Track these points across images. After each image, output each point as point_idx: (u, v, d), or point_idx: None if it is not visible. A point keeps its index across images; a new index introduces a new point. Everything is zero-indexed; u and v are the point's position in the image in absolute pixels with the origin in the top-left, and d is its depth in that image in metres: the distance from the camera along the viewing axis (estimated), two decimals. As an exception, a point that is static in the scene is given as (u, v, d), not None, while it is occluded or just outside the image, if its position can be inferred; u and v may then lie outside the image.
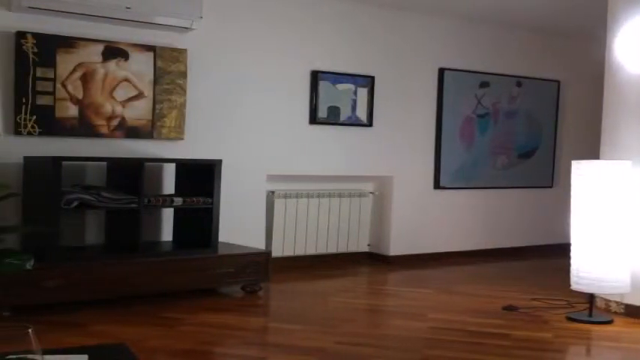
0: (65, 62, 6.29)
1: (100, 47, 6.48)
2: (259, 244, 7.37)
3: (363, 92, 8.04)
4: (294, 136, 7.71)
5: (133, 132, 6.69)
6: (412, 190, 8.62)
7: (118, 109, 6.58)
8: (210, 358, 5.03)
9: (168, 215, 6.90)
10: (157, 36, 6.75)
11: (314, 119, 7.79)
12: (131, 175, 6.18)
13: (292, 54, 7.64)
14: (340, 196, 8.17)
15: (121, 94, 6.61)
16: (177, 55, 6.85)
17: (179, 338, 5.13)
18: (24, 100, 6.10)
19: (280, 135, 7.62)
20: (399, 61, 8.40)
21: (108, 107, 6.53)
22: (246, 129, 7.39)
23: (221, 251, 6.52)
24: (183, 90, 6.88)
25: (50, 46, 6.21)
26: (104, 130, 6.52)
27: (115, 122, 6.58)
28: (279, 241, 7.77)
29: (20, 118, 6.08)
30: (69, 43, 6.31)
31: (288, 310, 6.31)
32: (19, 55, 6.08)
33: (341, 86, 7.87)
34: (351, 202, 8.25)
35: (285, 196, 7.78)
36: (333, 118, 7.87)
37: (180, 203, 6.39)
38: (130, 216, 6.14)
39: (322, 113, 7.80)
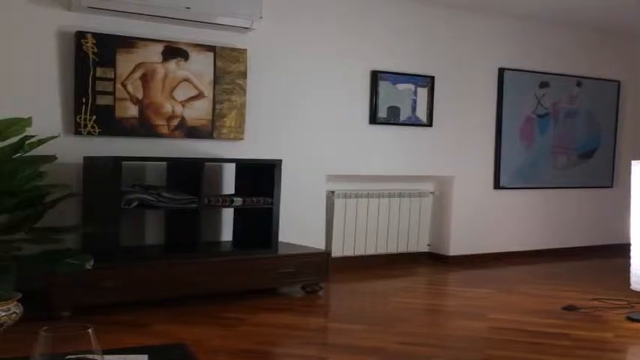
0: (125, 62, 5.99)
1: (160, 47, 6.18)
2: (319, 244, 7.05)
3: (423, 92, 7.68)
4: (354, 136, 7.36)
5: (192, 132, 6.38)
6: (472, 190, 8.24)
7: (178, 109, 6.29)
8: (270, 358, 4.81)
9: (228, 215, 6.60)
10: (216, 36, 6.44)
11: (374, 119, 7.43)
12: (191, 175, 5.90)
13: (352, 54, 7.26)
14: (400, 196, 7.81)
15: (181, 94, 6.30)
16: (238, 55, 6.54)
17: (239, 338, 4.91)
18: (84, 100, 5.82)
19: (340, 135, 7.26)
20: (459, 61, 8.00)
21: (168, 107, 6.24)
22: (306, 129, 7.06)
23: (281, 251, 6.23)
24: (243, 90, 6.58)
25: (110, 46, 5.92)
26: (164, 130, 6.24)
27: (175, 122, 6.28)
28: (339, 241, 7.45)
29: (80, 118, 5.82)
30: (129, 43, 6.02)
31: (348, 310, 6.05)
32: (79, 55, 5.80)
33: (401, 86, 7.52)
34: (411, 202, 7.88)
35: (345, 196, 7.45)
36: (393, 118, 7.53)
37: (240, 203, 6.09)
38: (190, 216, 5.86)
39: (382, 113, 7.45)
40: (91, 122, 5.87)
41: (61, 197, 4.97)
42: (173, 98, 6.28)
